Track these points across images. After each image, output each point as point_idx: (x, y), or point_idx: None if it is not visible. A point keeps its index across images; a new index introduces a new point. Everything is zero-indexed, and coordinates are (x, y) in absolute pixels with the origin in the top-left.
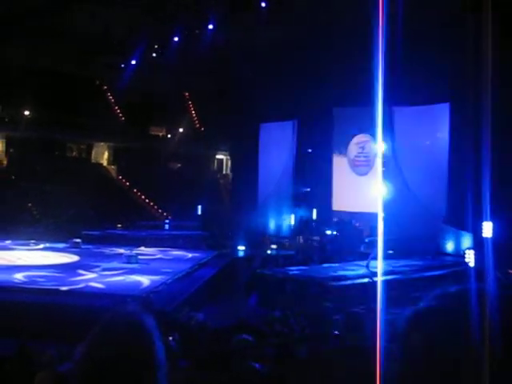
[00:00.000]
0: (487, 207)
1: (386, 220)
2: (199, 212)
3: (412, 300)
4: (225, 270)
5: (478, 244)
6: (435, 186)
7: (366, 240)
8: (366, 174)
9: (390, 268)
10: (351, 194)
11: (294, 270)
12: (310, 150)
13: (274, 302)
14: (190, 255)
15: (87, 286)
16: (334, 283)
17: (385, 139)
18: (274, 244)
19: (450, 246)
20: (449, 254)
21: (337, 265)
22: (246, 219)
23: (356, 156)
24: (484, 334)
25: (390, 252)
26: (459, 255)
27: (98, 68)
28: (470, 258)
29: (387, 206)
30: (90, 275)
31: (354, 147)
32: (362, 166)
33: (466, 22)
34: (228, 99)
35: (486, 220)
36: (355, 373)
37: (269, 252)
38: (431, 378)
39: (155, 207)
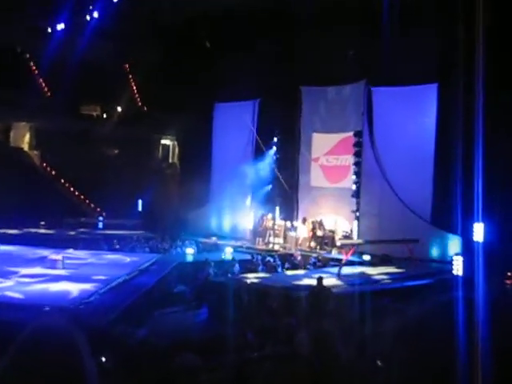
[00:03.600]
0: (479, 206)
1: (362, 220)
2: (140, 208)
3: (393, 312)
4: (170, 278)
5: (468, 249)
6: (419, 180)
7: (338, 243)
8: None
9: (367, 277)
10: (323, 196)
11: (252, 278)
12: (275, 139)
13: (228, 316)
14: (128, 259)
15: (1, 296)
16: (299, 294)
17: (362, 125)
18: (229, 247)
19: (435, 251)
20: (434, 261)
21: (303, 272)
22: (196, 217)
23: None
24: (474, 352)
25: (367, 258)
26: (446, 261)
27: (20, 32)
28: (459, 265)
29: (365, 204)
30: (6, 283)
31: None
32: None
33: None
34: (177, 73)
35: (478, 221)
36: None
37: (223, 256)
38: None
39: (86, 202)
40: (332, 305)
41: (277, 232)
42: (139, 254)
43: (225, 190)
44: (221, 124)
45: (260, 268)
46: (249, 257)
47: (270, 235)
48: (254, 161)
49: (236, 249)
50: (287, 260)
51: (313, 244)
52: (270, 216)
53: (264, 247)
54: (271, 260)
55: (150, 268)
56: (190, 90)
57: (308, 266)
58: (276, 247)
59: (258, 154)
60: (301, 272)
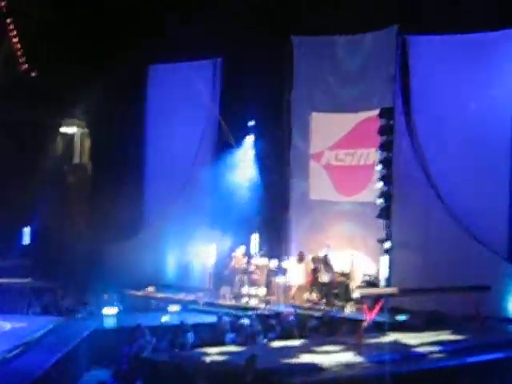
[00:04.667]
0: None
1: (395, 256)
2: (26, 240)
3: None
4: (77, 357)
5: None
6: (490, 191)
7: (356, 294)
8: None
9: (404, 349)
10: (331, 217)
11: (215, 354)
12: (251, 123)
13: None
14: (8, 326)
15: None
16: (293, 381)
17: (392, 99)
18: (174, 304)
19: None
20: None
21: (299, 343)
22: (120, 255)
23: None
24: None
25: (404, 318)
26: None
27: None
28: None
29: (399, 230)
30: None
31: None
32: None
33: None
34: (82, 20)
35: None
36: None
37: (165, 319)
38: None
39: None
40: None
41: (255, 277)
42: (26, 317)
43: (168, 210)
44: (160, 100)
45: (228, 337)
46: (210, 319)
47: (243, 283)
48: (216, 160)
49: (188, 306)
50: (273, 323)
51: (314, 296)
52: (242, 250)
53: (234, 303)
54: (246, 323)
55: (44, 341)
56: (109, 49)
57: (306, 333)
58: (253, 302)
59: (223, 148)
60: (295, 343)
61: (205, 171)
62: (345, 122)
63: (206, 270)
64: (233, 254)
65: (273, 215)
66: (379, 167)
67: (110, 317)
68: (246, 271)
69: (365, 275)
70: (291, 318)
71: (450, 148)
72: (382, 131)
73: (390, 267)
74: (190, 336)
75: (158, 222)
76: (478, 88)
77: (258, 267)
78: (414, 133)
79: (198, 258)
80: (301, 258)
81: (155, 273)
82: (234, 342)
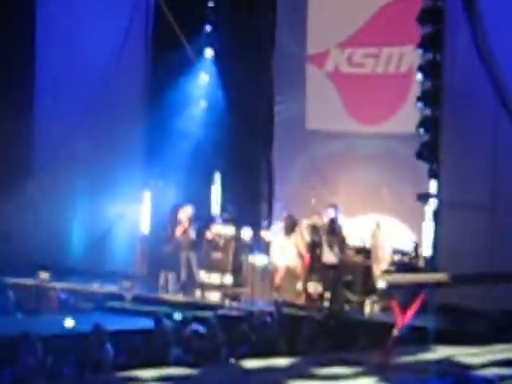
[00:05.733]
0: None
1: (445, 221)
2: None
3: None
4: None
5: None
6: None
7: (382, 284)
8: None
9: (460, 368)
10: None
11: (149, 379)
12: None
13: None
14: None
15: None
16: None
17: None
18: (84, 301)
19: None
20: None
21: (291, 362)
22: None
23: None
24: None
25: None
26: None
27: None
28: None
29: (451, 179)
30: None
31: None
32: None
33: None
34: None
35: None
36: None
37: (67, 325)
38: None
39: None
40: None
41: (216, 256)
42: None
43: (73, 148)
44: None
45: (172, 354)
46: (142, 323)
47: (195, 265)
48: (151, 68)
49: (106, 302)
50: (244, 329)
51: (313, 286)
52: (188, 211)
53: (181, 298)
54: (200, 331)
55: None
56: None
57: (300, 346)
58: (213, 297)
59: (163, 49)
60: (281, 362)
61: (132, 86)
62: (364, 3)
63: (134, 245)
64: (178, 218)
65: (245, 156)
66: (420, 77)
67: None
68: (199, 246)
69: (395, 252)
70: (267, 318)
71: None
72: (425, 17)
73: (437, 240)
74: (110, 351)
75: (55, 168)
76: None
77: (220, 239)
78: (478, 19)
79: (121, 224)
80: (290, 226)
81: (53, 250)
82: (181, 361)
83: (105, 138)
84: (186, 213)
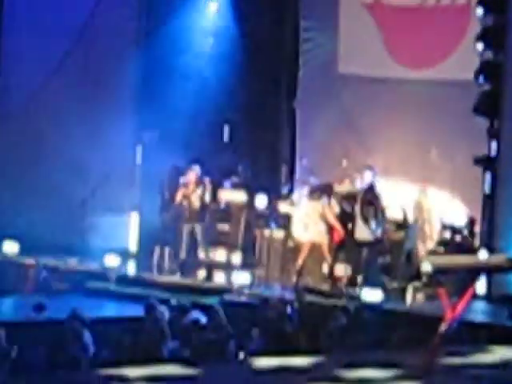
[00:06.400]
0: None
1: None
2: None
3: None
4: None
5: None
6: None
7: (427, 266)
8: None
9: None
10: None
11: (138, 378)
12: None
13: None
14: None
15: None
16: None
17: None
18: (58, 281)
19: None
20: None
21: (313, 361)
22: None
23: None
24: None
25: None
26: None
27: None
28: None
29: None
30: None
31: None
32: None
33: None
34: None
35: None
36: None
37: (37, 311)
38: None
39: None
40: None
41: (224, 228)
42: None
43: (45, 96)
44: None
45: (167, 348)
46: (131, 310)
47: (199, 239)
48: (144, 11)
49: (86, 283)
50: (255, 319)
51: (343, 268)
52: (194, 174)
53: (178, 279)
54: (202, 321)
55: None
56: None
57: (324, 343)
58: (219, 279)
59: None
60: (300, 361)
61: (123, 15)
62: None
63: (123, 213)
64: (181, 181)
65: (261, 104)
66: (480, 11)
67: None
68: (203, 215)
69: (445, 228)
70: (285, 307)
71: None
72: None
73: (496, 215)
74: (89, 343)
75: (24, 117)
76: None
77: (229, 208)
78: None
79: (106, 187)
80: (316, 194)
81: (20, 218)
82: (176, 357)
83: (89, 78)
84: (189, 175)
